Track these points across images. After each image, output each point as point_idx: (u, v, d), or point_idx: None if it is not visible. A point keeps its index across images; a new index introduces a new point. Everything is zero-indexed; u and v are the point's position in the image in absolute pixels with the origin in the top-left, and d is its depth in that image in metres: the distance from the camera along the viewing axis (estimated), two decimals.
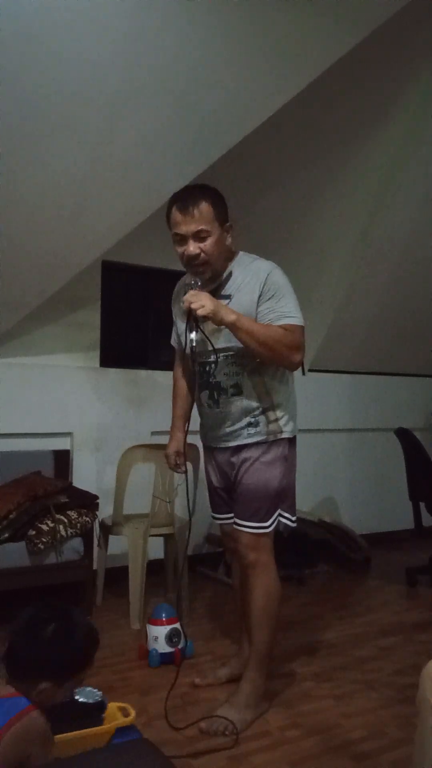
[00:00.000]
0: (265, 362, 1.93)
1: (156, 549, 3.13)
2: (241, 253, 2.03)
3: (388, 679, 2.22)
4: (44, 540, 2.61)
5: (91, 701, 1.57)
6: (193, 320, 1.84)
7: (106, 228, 2.72)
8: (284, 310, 1.89)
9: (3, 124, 2.10)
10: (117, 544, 3.07)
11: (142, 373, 3.59)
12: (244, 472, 1.97)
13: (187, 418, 2.25)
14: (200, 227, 1.84)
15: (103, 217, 2.64)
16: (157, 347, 3.90)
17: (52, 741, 1.31)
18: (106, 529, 2.93)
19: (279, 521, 1.97)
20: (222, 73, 2.17)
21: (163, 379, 3.64)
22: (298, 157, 3.22)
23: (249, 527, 1.94)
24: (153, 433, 3.53)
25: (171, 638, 2.32)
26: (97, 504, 2.90)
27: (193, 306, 1.77)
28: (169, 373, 3.67)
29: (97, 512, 2.88)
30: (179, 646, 2.34)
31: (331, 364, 4.16)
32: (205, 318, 1.79)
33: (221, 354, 1.96)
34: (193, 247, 1.85)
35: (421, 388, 4.66)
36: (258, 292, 1.90)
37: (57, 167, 2.30)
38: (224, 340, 1.94)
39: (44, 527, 2.64)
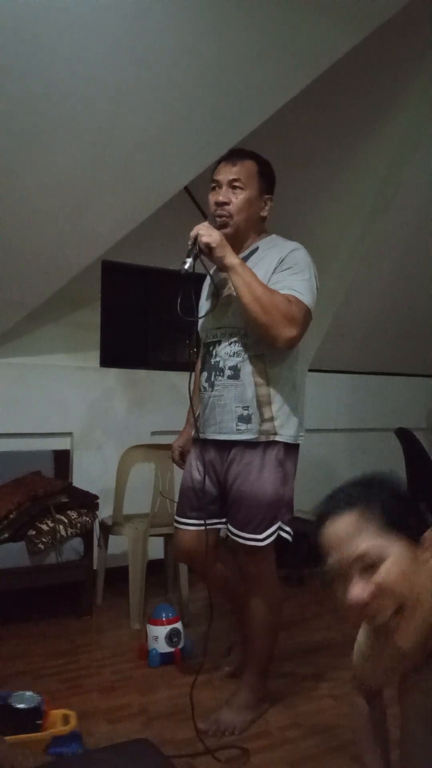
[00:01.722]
0: (256, 328, 1.79)
1: (156, 549, 3.13)
2: (274, 234, 1.99)
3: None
4: (44, 540, 2.61)
5: (24, 707, 1.51)
6: (196, 249, 1.76)
7: (106, 228, 2.72)
8: (293, 285, 1.80)
9: (3, 124, 2.10)
10: (117, 544, 3.07)
11: (142, 373, 3.59)
12: (234, 478, 1.86)
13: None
14: (237, 177, 1.85)
15: (103, 217, 2.64)
16: (157, 347, 3.90)
17: None
18: (106, 529, 2.93)
19: (279, 534, 1.85)
20: (222, 73, 2.17)
21: (163, 379, 3.65)
22: (298, 157, 3.22)
23: (243, 538, 1.84)
24: (153, 433, 3.53)
25: (171, 638, 2.32)
26: (97, 504, 2.90)
27: (200, 232, 1.74)
28: (169, 373, 3.69)
29: (97, 512, 2.88)
30: (179, 646, 2.34)
31: (331, 364, 4.16)
32: (208, 246, 1.74)
33: (226, 332, 1.90)
34: (223, 195, 1.86)
35: (421, 388, 4.65)
36: (275, 265, 1.84)
37: (57, 167, 2.29)
38: (231, 318, 1.89)
39: (44, 527, 2.64)
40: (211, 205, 1.90)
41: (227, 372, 1.88)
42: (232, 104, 2.30)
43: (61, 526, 2.67)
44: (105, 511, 3.00)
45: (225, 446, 1.90)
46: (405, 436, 3.47)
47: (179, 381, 3.69)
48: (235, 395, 1.86)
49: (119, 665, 2.33)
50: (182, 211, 3.85)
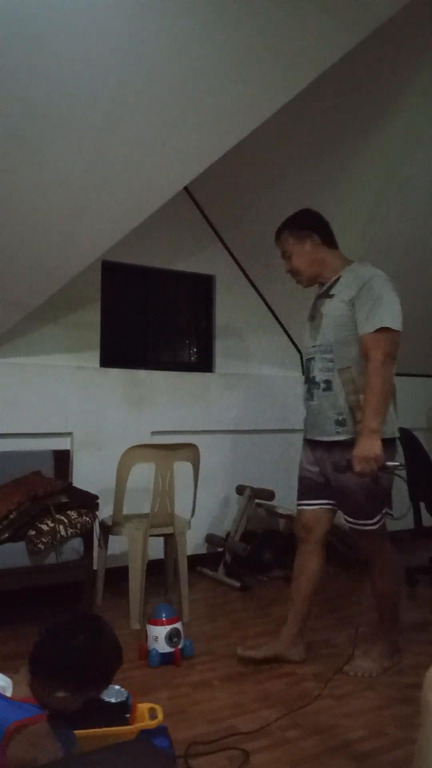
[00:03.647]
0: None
1: (156, 549, 3.13)
2: (356, 263, 2.33)
3: (388, 679, 2.22)
4: (44, 540, 2.61)
5: (114, 700, 1.54)
6: (381, 470, 2.11)
7: (106, 228, 2.72)
8: (382, 316, 2.11)
9: (3, 124, 2.09)
10: (117, 544, 3.07)
11: (142, 373, 3.59)
12: (340, 473, 2.18)
13: None
14: (284, 250, 2.38)
15: (103, 217, 2.64)
16: (156, 347, 3.90)
17: (56, 749, 1.32)
18: (106, 529, 2.93)
19: (384, 516, 2.25)
20: (222, 73, 2.17)
21: (163, 379, 3.65)
22: (298, 156, 3.22)
23: (357, 524, 2.23)
24: (153, 433, 3.53)
25: (171, 638, 2.32)
26: (97, 504, 2.90)
27: (374, 470, 2.07)
28: (169, 373, 3.70)
29: (97, 512, 2.88)
30: (179, 646, 2.34)
31: None
32: (368, 464, 2.06)
33: (318, 349, 2.28)
34: (287, 266, 2.40)
35: (421, 388, 4.66)
36: (353, 294, 2.18)
37: (57, 167, 2.29)
38: (321, 337, 2.27)
39: (44, 527, 2.64)
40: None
41: (322, 385, 2.26)
42: (232, 104, 2.30)
43: (61, 526, 2.67)
44: (105, 511, 3.01)
45: (328, 445, 2.26)
46: (405, 436, 3.47)
47: (179, 381, 3.70)
48: (331, 404, 2.23)
49: None
50: (182, 211, 3.86)
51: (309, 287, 2.43)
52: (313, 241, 2.32)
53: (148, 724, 1.52)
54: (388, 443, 2.13)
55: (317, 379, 2.27)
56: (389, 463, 2.09)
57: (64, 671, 1.38)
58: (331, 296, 2.25)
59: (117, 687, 1.57)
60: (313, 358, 2.30)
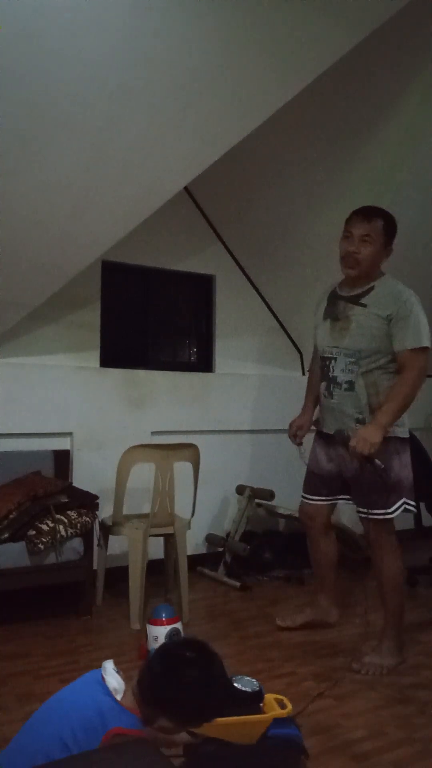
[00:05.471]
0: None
1: (156, 549, 3.13)
2: (387, 275, 2.38)
3: (388, 679, 2.22)
4: (44, 540, 2.61)
5: (249, 689, 1.56)
6: (367, 460, 2.22)
7: (106, 228, 2.72)
8: (414, 336, 2.24)
9: (3, 124, 2.09)
10: (117, 544, 3.07)
11: (142, 373, 3.59)
12: (360, 467, 2.27)
13: (316, 404, 2.60)
14: (368, 233, 2.29)
15: (103, 217, 2.64)
16: (156, 347, 3.90)
17: None
18: (106, 529, 2.93)
19: (405, 508, 2.31)
20: (222, 73, 2.17)
21: (163, 379, 3.65)
22: (298, 156, 3.22)
23: (372, 515, 2.28)
24: (153, 433, 3.53)
25: (171, 638, 2.32)
26: (97, 504, 2.90)
27: (365, 453, 2.18)
28: (169, 373, 3.70)
29: (97, 512, 2.88)
30: None
31: None
32: (371, 451, 2.18)
33: (342, 352, 2.33)
34: (356, 246, 2.30)
35: (422, 389, 4.65)
36: (390, 311, 2.25)
37: (57, 167, 2.29)
38: (348, 341, 2.31)
39: (44, 527, 2.64)
40: (342, 251, 2.35)
41: (344, 385, 2.33)
42: (232, 104, 2.29)
43: (61, 526, 2.67)
44: (105, 511, 3.01)
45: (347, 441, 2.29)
46: None
47: (179, 381, 3.70)
48: (352, 403, 2.32)
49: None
50: (182, 211, 3.86)
51: (351, 275, 2.37)
52: (388, 249, 2.37)
53: (281, 713, 1.54)
54: (403, 442, 2.36)
55: (339, 379, 2.34)
56: (377, 461, 2.21)
57: (168, 703, 1.38)
58: (364, 305, 2.30)
59: (247, 677, 1.61)
60: (334, 358, 2.36)
